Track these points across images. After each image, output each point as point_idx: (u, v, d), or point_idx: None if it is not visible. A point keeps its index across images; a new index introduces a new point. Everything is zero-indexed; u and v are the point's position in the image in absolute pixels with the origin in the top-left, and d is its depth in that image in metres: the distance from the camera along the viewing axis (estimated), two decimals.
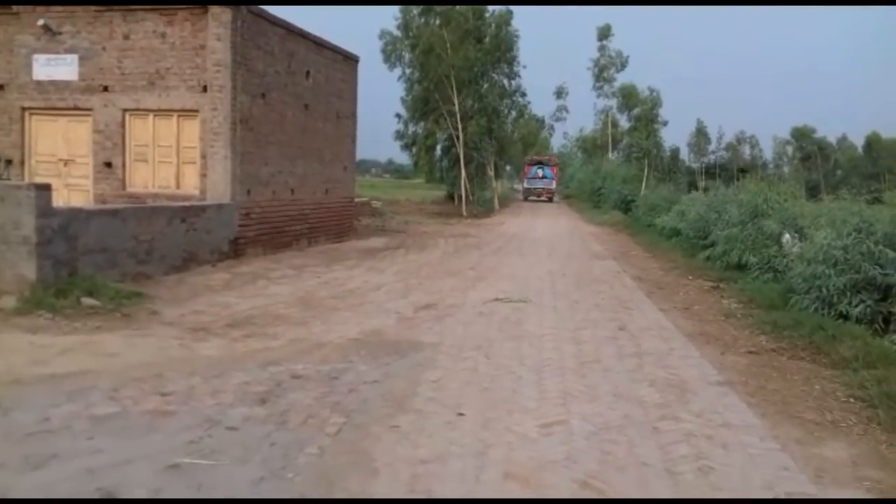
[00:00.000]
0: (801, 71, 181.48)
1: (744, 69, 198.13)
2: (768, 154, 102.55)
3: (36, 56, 13.58)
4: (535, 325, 8.58)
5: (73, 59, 13.43)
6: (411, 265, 14.03)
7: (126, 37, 13.22)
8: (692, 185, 39.98)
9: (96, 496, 3.57)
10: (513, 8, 36.94)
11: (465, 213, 33.38)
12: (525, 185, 56.61)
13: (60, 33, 13.43)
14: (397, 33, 35.69)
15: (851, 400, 5.94)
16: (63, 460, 3.98)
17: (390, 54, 36.11)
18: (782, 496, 4.05)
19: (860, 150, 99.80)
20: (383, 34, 36.05)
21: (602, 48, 52.80)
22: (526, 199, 54.29)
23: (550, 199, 54.37)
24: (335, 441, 4.50)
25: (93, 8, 13.22)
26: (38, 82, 13.63)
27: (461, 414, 5.13)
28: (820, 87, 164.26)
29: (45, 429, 4.45)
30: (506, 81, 38.75)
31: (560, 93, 62.82)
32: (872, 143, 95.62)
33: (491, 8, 36.21)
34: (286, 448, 4.32)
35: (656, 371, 6.60)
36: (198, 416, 4.80)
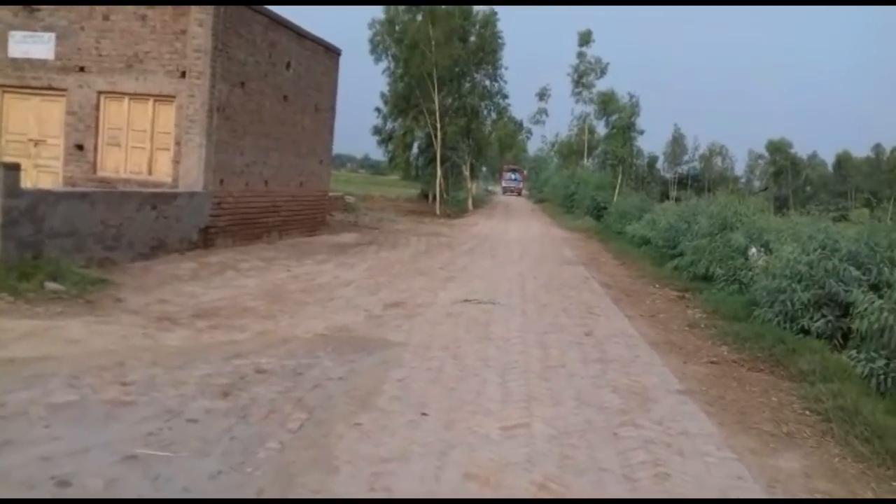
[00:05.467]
0: (780, 85, 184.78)
1: (723, 81, 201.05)
2: (741, 167, 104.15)
3: (12, 32, 13.30)
4: (503, 327, 8.63)
5: (49, 37, 13.18)
6: (382, 262, 14.01)
7: (105, 17, 13.01)
8: (664, 195, 40.36)
9: (51, 484, 3.53)
10: (497, 8, 37.10)
11: (438, 213, 33.38)
12: (503, 184, 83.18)
13: (38, 10, 13.17)
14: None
15: (807, 413, 6.08)
16: (17, 447, 3.92)
17: (378, 45, 35.94)
18: None
19: (830, 167, 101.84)
20: (373, 24, 35.89)
21: (581, 54, 52.94)
22: (503, 193, 79.77)
23: (519, 194, 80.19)
24: (296, 437, 4.49)
25: None
26: (13, 59, 13.35)
27: (424, 414, 5.15)
28: (797, 103, 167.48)
29: (0, 415, 4.37)
30: (487, 82, 38.83)
31: (543, 94, 62.73)
32: (843, 161, 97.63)
33: (477, 8, 36.29)
34: (246, 442, 4.30)
35: (619, 378, 6.68)
36: (158, 406, 4.75)
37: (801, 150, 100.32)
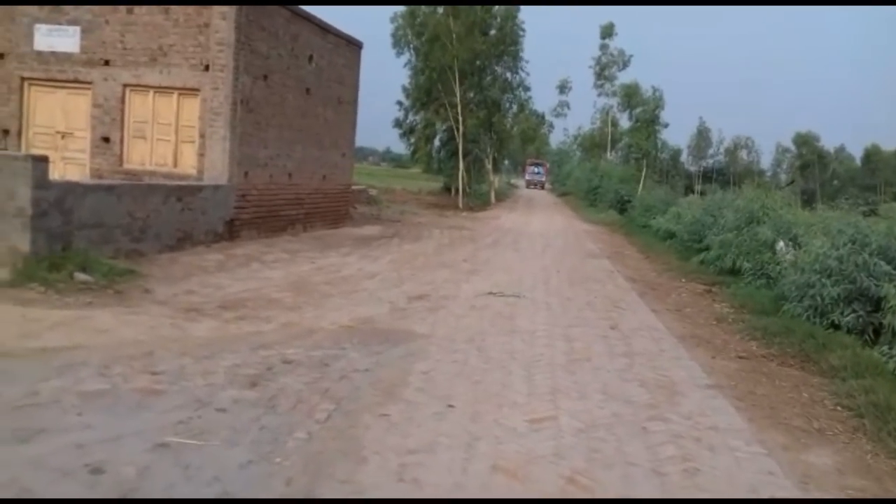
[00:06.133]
0: (805, 79, 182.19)
1: (749, 74, 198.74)
2: (767, 160, 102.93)
3: (38, 26, 13.45)
4: (528, 320, 8.60)
5: (75, 30, 13.31)
6: (406, 255, 14.02)
7: (130, 11, 13.11)
8: (689, 189, 39.98)
9: (85, 472, 3.57)
10: (518, 6, 36.83)
11: (460, 206, 33.35)
12: (526, 177, 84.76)
13: (64, 4, 13.31)
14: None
15: (839, 408, 5.99)
16: (51, 434, 3.97)
17: (399, 38, 35.88)
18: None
19: (858, 161, 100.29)
20: (395, 17, 35.84)
21: (604, 46, 52.54)
22: (527, 187, 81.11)
23: (543, 187, 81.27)
24: (324, 427, 4.50)
25: None
26: (39, 53, 13.51)
27: (451, 406, 5.14)
28: (824, 96, 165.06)
29: (34, 402, 4.43)
30: (508, 75, 38.64)
31: (563, 87, 62.18)
32: (871, 154, 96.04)
33: None
34: (275, 432, 4.32)
35: (646, 371, 6.62)
36: (188, 396, 4.79)
37: (829, 143, 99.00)
